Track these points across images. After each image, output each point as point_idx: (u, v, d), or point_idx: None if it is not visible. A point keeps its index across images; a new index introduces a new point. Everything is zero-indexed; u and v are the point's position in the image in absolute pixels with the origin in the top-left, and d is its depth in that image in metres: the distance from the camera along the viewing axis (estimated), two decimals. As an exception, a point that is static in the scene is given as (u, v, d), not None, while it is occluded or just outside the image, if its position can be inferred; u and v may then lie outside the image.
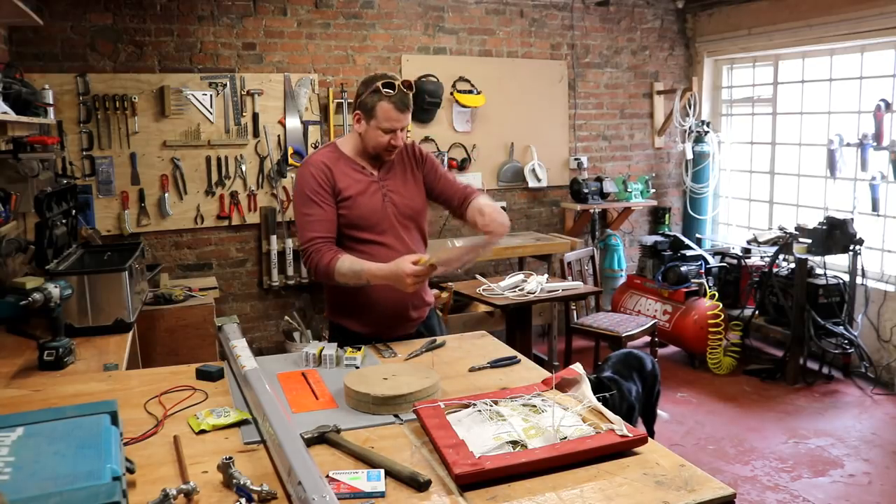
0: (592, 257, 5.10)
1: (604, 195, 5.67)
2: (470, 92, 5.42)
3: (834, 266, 4.96)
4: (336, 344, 2.26)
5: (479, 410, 1.73)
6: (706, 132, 6.01)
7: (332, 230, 2.35)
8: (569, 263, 4.78)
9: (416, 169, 2.50)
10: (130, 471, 1.45)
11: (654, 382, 3.50)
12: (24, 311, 2.41)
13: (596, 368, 3.72)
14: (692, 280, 5.21)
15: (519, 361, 2.21)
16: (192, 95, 4.69)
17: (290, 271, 5.04)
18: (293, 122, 4.96)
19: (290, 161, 4.96)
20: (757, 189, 6.04)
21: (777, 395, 4.57)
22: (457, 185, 2.54)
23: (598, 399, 1.80)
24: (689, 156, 6.05)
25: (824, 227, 4.65)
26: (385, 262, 2.22)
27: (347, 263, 2.26)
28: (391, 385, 1.85)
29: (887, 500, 3.33)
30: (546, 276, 4.38)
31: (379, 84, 2.28)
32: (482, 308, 4.68)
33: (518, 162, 5.68)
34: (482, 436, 1.60)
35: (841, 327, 4.73)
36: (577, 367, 1.91)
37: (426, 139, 5.37)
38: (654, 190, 6.05)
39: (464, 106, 5.41)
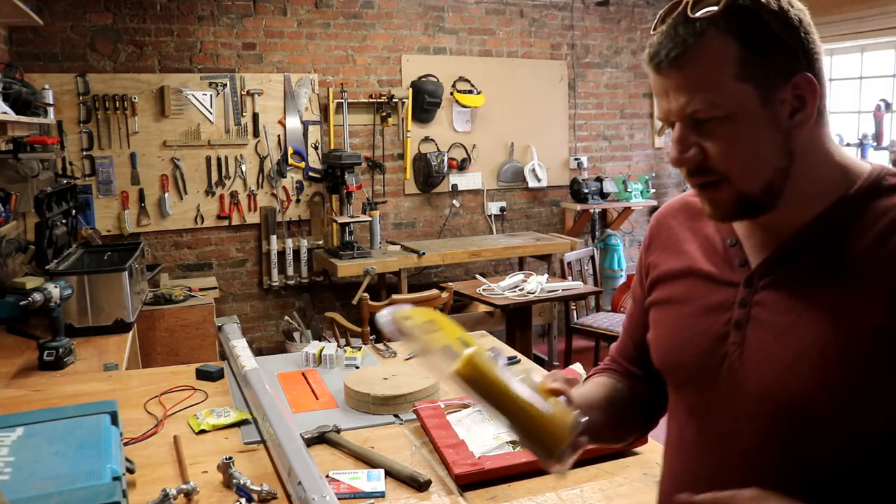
0: (592, 257, 5.10)
1: (604, 195, 5.67)
2: (470, 92, 5.42)
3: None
4: (336, 344, 2.27)
5: (479, 410, 1.73)
6: (706, 132, 6.00)
7: (628, 351, 1.18)
8: (569, 263, 4.78)
9: (866, 292, 0.85)
10: (130, 471, 1.45)
11: None
12: (24, 311, 2.42)
13: None
14: (692, 280, 5.20)
15: (519, 361, 2.21)
16: (192, 95, 4.69)
17: (290, 271, 5.04)
18: (293, 122, 4.96)
19: (290, 161, 4.95)
20: (757, 189, 6.03)
21: (777, 395, 4.56)
22: None
23: None
24: (689, 156, 6.04)
25: (824, 227, 4.63)
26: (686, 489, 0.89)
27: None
28: (391, 385, 1.85)
29: (887, 500, 3.32)
30: (546, 276, 4.38)
31: None
32: (482, 308, 4.67)
33: (518, 162, 5.68)
34: (482, 436, 1.60)
35: (841, 327, 4.72)
36: (577, 367, 1.91)
37: (426, 139, 5.37)
38: (654, 190, 6.05)
39: (464, 106, 5.40)
